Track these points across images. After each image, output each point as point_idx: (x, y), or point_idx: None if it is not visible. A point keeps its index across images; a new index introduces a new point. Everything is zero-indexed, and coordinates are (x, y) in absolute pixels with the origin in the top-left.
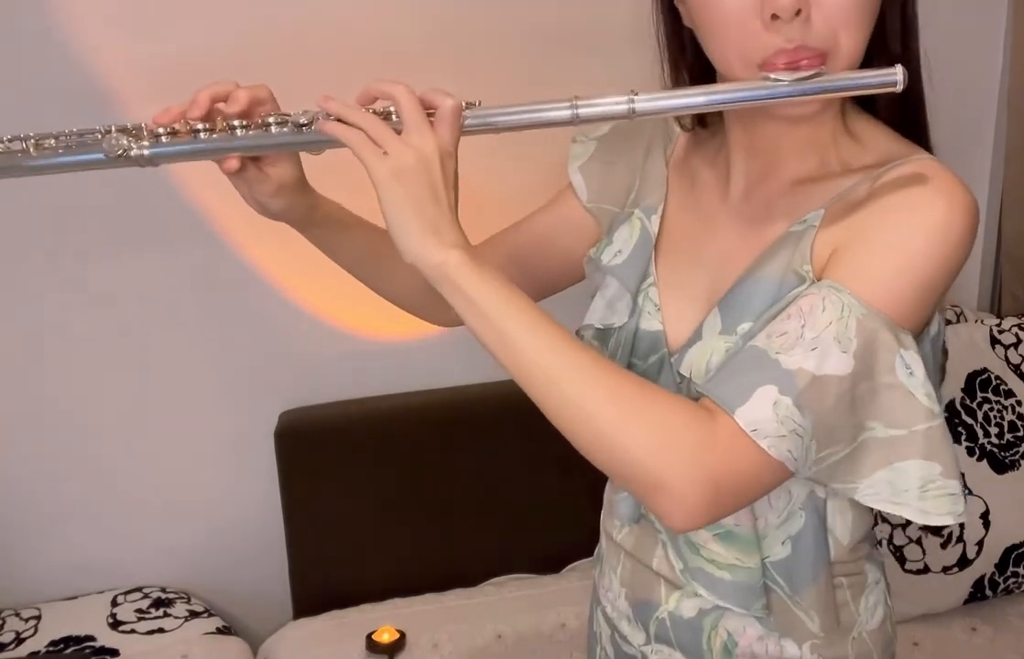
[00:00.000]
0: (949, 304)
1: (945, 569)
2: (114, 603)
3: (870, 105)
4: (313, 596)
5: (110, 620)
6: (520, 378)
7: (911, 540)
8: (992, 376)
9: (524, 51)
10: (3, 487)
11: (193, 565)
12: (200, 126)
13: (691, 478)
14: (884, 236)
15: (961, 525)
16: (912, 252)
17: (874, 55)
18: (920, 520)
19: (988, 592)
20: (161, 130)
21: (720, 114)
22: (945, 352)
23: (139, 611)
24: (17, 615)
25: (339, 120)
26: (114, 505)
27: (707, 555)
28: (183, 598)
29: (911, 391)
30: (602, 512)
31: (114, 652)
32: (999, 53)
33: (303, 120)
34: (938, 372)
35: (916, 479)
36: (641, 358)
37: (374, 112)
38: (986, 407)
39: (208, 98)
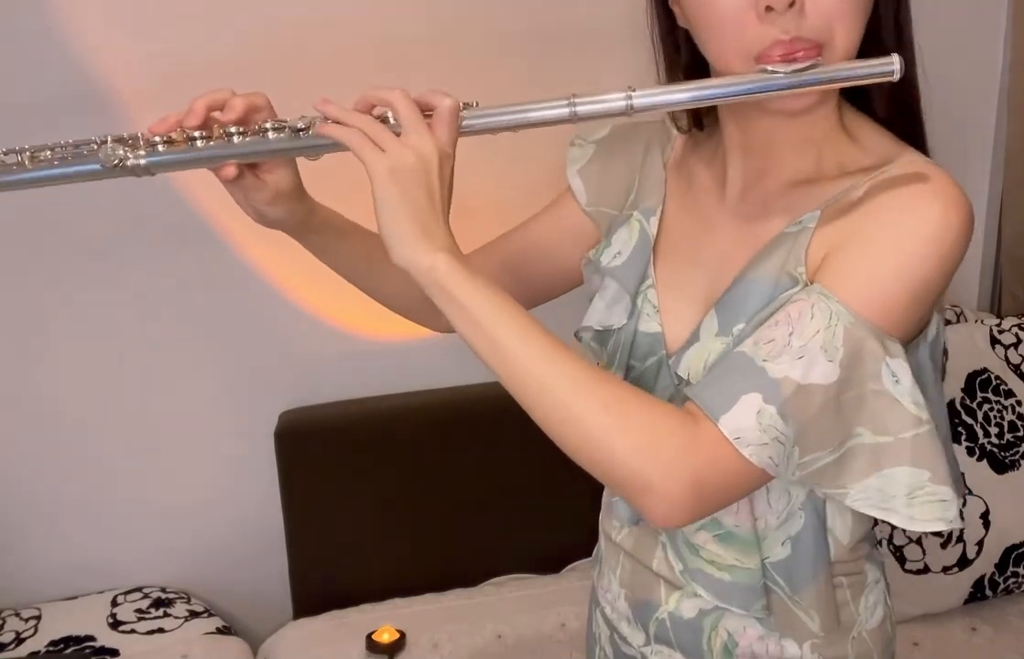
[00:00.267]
0: (949, 304)
1: (945, 569)
2: (114, 603)
3: (865, 103)
4: (313, 596)
5: (110, 620)
6: (510, 384)
7: (911, 540)
8: (992, 376)
9: (523, 52)
10: (3, 487)
11: (193, 565)
12: (197, 134)
13: (676, 477)
14: (879, 238)
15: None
16: (908, 254)
17: (868, 51)
18: (908, 526)
19: (988, 592)
20: (157, 139)
21: (716, 115)
22: (945, 352)
23: (139, 611)
24: (17, 615)
25: (337, 123)
26: (114, 505)
27: (707, 556)
28: (183, 598)
29: (897, 398)
30: (601, 513)
31: (114, 652)
32: (999, 53)
33: (300, 125)
34: (938, 375)
35: (904, 485)
36: (639, 360)
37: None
38: (986, 407)
39: (204, 107)
